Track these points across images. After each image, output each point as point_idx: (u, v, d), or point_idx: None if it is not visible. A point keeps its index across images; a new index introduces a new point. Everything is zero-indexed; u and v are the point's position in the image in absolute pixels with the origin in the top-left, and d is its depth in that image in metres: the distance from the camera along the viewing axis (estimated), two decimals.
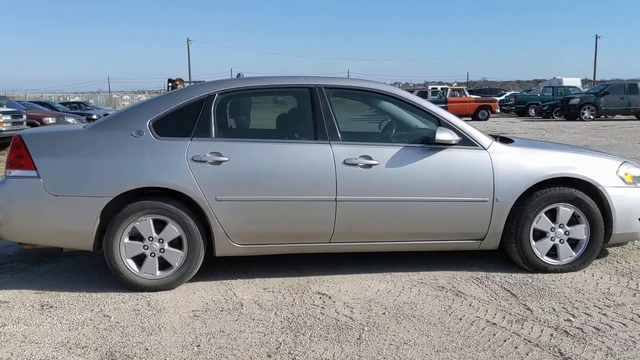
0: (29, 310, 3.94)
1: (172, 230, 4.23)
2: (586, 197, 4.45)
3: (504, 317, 3.66)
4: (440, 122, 4.46)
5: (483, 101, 30.21)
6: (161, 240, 4.23)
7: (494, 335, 3.40)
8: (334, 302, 3.99)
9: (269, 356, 3.19)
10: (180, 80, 13.24)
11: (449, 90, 30.19)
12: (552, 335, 3.38)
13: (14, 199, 4.19)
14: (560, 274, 4.46)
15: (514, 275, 4.46)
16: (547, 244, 4.50)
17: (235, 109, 4.62)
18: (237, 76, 13.38)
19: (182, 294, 4.19)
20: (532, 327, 3.49)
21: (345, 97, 4.65)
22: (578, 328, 3.47)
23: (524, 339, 3.34)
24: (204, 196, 4.18)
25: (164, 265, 4.28)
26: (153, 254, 4.24)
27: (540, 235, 4.50)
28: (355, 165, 4.27)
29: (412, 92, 30.91)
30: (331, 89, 4.49)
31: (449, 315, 3.71)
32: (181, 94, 4.43)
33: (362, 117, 5.16)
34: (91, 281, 4.48)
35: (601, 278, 4.37)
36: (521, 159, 4.45)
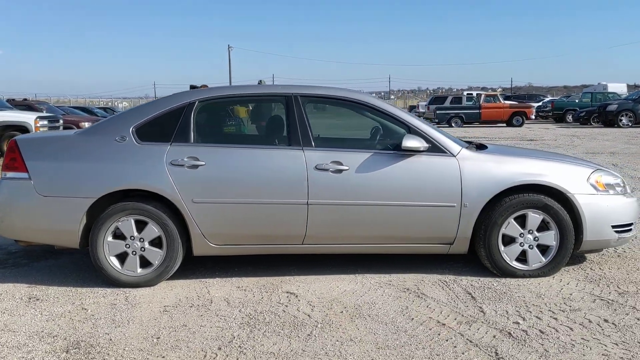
0: (17, 302, 4.24)
1: (152, 230, 4.48)
2: (555, 203, 4.53)
3: (455, 319, 3.78)
4: (410, 130, 4.61)
5: (518, 107, 29.91)
6: (142, 240, 4.49)
7: (439, 334, 3.53)
8: (299, 300, 4.18)
9: (219, 349, 3.40)
10: (205, 87, 13.58)
11: (483, 96, 29.98)
12: (494, 336, 3.50)
13: (8, 198, 4.51)
14: (528, 279, 4.54)
15: (481, 279, 4.56)
16: (516, 249, 4.59)
17: (214, 116, 4.86)
18: (259, 83, 13.68)
19: (160, 290, 4.43)
20: (478, 329, 3.61)
21: (322, 105, 4.84)
22: (523, 330, 3.57)
23: (467, 339, 3.46)
24: (181, 198, 4.42)
25: (144, 263, 4.53)
26: (134, 252, 4.50)
27: (510, 240, 4.60)
28: (327, 170, 4.46)
29: (444, 98, 30.90)
30: (306, 97, 4.69)
31: (403, 315, 3.86)
32: (164, 102, 4.70)
33: (347, 124, 5.33)
34: (81, 277, 4.76)
35: (567, 284, 4.44)
36: (490, 166, 4.56)
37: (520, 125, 28.92)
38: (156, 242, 4.53)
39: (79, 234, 4.48)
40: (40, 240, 4.63)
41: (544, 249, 4.62)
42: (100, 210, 4.49)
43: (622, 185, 4.82)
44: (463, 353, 3.28)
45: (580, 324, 3.66)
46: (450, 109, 29.51)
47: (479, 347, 3.34)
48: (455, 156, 4.56)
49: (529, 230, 4.57)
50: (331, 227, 4.52)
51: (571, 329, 3.60)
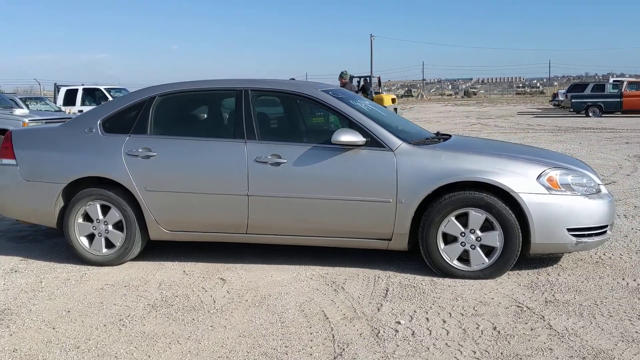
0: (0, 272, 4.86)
1: (114, 214, 4.90)
2: (499, 202, 4.29)
3: (344, 314, 3.77)
4: (351, 123, 4.59)
5: None
6: (106, 223, 4.93)
7: (309, 328, 3.56)
8: (223, 286, 4.38)
9: (105, 325, 3.71)
10: (293, 80, 13.98)
11: (626, 83, 27.45)
12: (360, 334, 3.46)
13: (1, 182, 5.16)
14: (465, 280, 4.36)
15: (418, 277, 4.46)
16: (457, 248, 4.42)
17: (172, 109, 5.14)
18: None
19: (117, 270, 4.84)
20: (353, 325, 3.59)
21: (271, 99, 4.96)
22: (395, 330, 3.50)
23: (331, 334, 3.46)
24: (135, 187, 4.79)
25: (109, 244, 4.97)
26: (100, 234, 4.95)
27: (452, 239, 4.44)
28: (266, 163, 4.59)
29: (584, 85, 28.77)
30: (256, 91, 4.84)
31: (299, 307, 3.92)
32: (130, 96, 5.10)
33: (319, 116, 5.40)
34: (66, 255, 5.29)
35: (501, 287, 4.21)
36: (427, 162, 4.43)
37: None
38: (119, 226, 4.93)
39: (56, 215, 5.01)
40: (27, 219, 5.23)
41: (489, 250, 4.40)
42: (74, 194, 4.98)
43: (587, 185, 4.43)
44: (311, 347, 3.30)
45: (462, 329, 3.50)
46: (589, 97, 27.41)
47: (332, 342, 3.34)
48: (393, 151, 4.47)
49: (471, 230, 4.37)
50: (271, 219, 4.65)
51: (447, 332, 3.46)
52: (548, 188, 4.30)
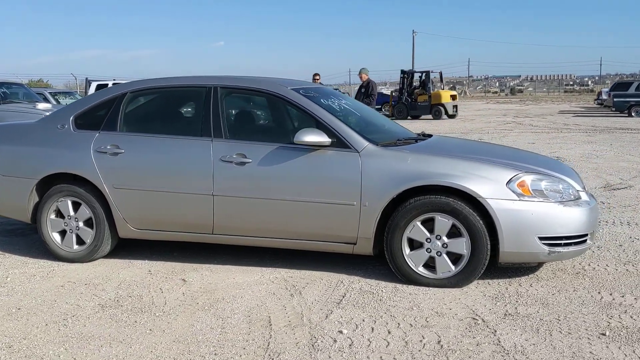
0: None
1: (85, 211, 4.88)
2: (465, 208, 4.09)
3: (289, 321, 3.64)
4: (318, 124, 4.44)
5: None
6: (77, 219, 4.91)
7: (248, 334, 3.45)
8: (180, 288, 4.30)
9: (46, 325, 3.66)
10: (318, 75, 13.85)
11: None
12: (297, 343, 3.33)
13: None
14: (429, 288, 4.17)
15: (381, 283, 4.29)
16: (423, 255, 4.23)
17: (141, 106, 5.08)
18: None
19: (84, 268, 4.81)
20: (294, 333, 3.45)
21: (240, 96, 4.85)
22: (334, 340, 3.36)
23: (266, 341, 3.34)
24: (104, 184, 4.75)
25: (80, 241, 4.95)
26: (71, 231, 4.93)
27: (419, 245, 4.25)
28: (231, 162, 4.48)
29: (629, 84, 27.71)
30: (225, 88, 4.73)
31: (247, 312, 3.81)
32: (103, 93, 5.06)
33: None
34: (44, 251, 5.27)
35: (464, 299, 4.01)
36: (394, 164, 4.25)
37: None
38: (90, 223, 4.91)
39: (29, 210, 5.02)
40: (4, 213, 5.27)
41: (457, 258, 4.19)
42: (47, 190, 4.98)
43: (563, 191, 4.18)
44: (240, 356, 3.18)
45: (405, 342, 3.33)
46: (632, 96, 26.41)
47: (265, 350, 3.22)
48: (358, 152, 4.31)
49: (437, 236, 4.18)
50: (236, 220, 4.55)
51: (388, 344, 3.30)
52: (518, 194, 4.07)
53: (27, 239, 5.74)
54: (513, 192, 4.07)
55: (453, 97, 27.53)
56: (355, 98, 12.98)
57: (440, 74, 29.52)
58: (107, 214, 4.82)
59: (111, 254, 5.03)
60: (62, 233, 4.98)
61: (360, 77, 12.59)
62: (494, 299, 3.97)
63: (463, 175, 4.12)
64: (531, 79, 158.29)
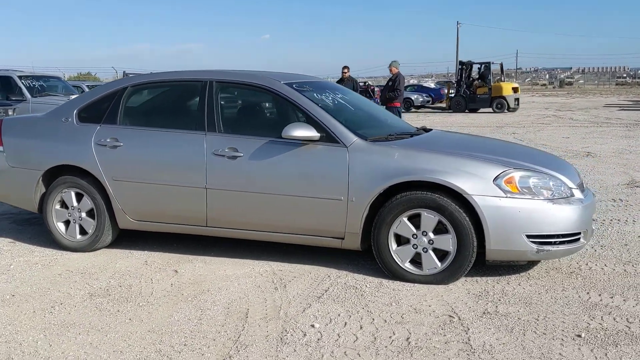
0: None
1: (87, 202, 5.02)
2: (452, 204, 4.04)
3: (266, 314, 3.68)
4: (308, 118, 4.45)
5: None
6: (79, 210, 5.06)
7: (222, 325, 3.50)
8: (170, 278, 4.38)
9: (34, 312, 3.79)
10: (347, 68, 13.81)
11: None
12: (267, 336, 3.36)
13: None
14: (414, 284, 4.15)
15: (368, 278, 4.29)
16: (409, 251, 4.21)
17: (141, 100, 5.18)
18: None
19: (85, 257, 4.95)
20: (267, 326, 3.49)
21: (234, 90, 4.89)
22: (303, 333, 3.38)
23: (237, 333, 3.39)
24: (104, 176, 4.87)
25: (83, 231, 5.09)
26: (75, 221, 5.09)
27: (406, 241, 4.24)
28: (223, 156, 4.54)
29: None
30: (220, 82, 4.79)
31: (228, 304, 3.86)
32: (106, 87, 5.18)
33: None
34: (52, 240, 5.45)
35: (447, 296, 3.97)
36: (381, 159, 4.23)
37: None
38: (92, 213, 5.04)
39: (36, 201, 5.19)
40: (13, 203, 5.46)
41: (444, 255, 4.16)
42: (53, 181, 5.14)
43: (553, 189, 4.10)
44: (208, 347, 3.24)
45: (374, 337, 3.33)
46: None
47: (234, 342, 3.27)
48: (347, 147, 4.30)
49: (423, 232, 4.15)
50: (229, 213, 4.61)
51: (356, 339, 3.31)
52: (506, 191, 4.00)
53: (38, 228, 5.93)
54: (500, 188, 4.00)
55: (515, 90, 26.42)
56: (382, 91, 12.94)
57: (501, 65, 28.30)
58: (108, 206, 4.95)
59: (114, 244, 5.16)
60: (67, 223, 5.13)
61: (390, 70, 12.50)
62: (477, 297, 3.92)
63: (450, 172, 4.07)
64: (582, 71, 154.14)
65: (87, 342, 3.32)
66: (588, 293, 3.97)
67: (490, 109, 25.97)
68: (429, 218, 4.11)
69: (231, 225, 4.65)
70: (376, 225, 4.22)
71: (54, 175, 5.12)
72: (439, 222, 4.10)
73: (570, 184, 4.22)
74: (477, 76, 27.02)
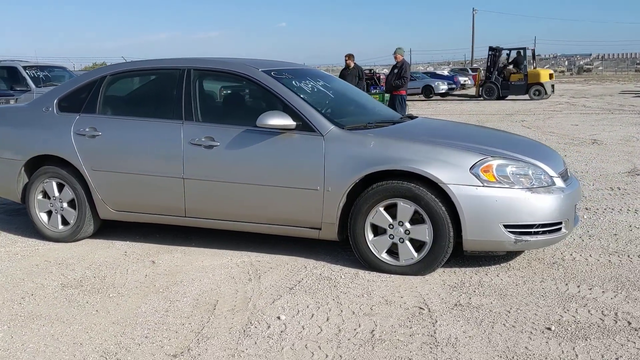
0: None
1: (68, 192, 5.00)
2: (427, 194, 3.95)
3: (235, 306, 3.63)
4: (285, 106, 4.37)
5: None
6: (61, 200, 5.03)
7: (183, 317, 3.46)
8: (148, 268, 4.36)
9: (2, 303, 3.78)
10: (350, 56, 13.67)
11: None
12: (231, 328, 3.32)
13: None
14: (392, 275, 4.07)
15: (345, 269, 4.23)
16: (386, 241, 4.13)
17: (119, 89, 5.13)
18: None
19: (68, 247, 4.94)
20: (232, 318, 3.44)
21: (212, 78, 4.82)
22: (268, 325, 3.33)
23: (201, 325, 3.34)
24: (83, 166, 4.85)
25: (64, 221, 5.07)
26: (56, 211, 5.07)
27: (382, 231, 4.16)
28: (200, 145, 4.49)
29: None
30: (198, 70, 4.72)
31: (198, 296, 3.82)
32: (86, 75, 5.14)
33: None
34: (31, 230, 5.43)
35: (421, 287, 3.89)
36: (356, 148, 4.15)
37: None
38: (73, 204, 5.02)
39: (19, 191, 5.18)
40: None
41: (421, 245, 4.08)
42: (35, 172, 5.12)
43: (533, 177, 3.99)
44: (169, 339, 3.20)
45: (338, 329, 3.26)
46: None
47: (196, 335, 3.22)
48: (323, 136, 4.22)
49: (400, 222, 4.07)
50: (206, 203, 4.56)
51: (320, 331, 3.25)
52: (482, 180, 3.90)
53: (27, 219, 5.90)
54: (477, 177, 3.90)
55: (551, 76, 25.71)
56: (387, 79, 12.79)
57: (533, 51, 26.73)
58: (88, 196, 4.92)
59: (97, 235, 5.15)
60: (49, 213, 5.12)
61: (395, 57, 12.31)
62: (452, 288, 3.84)
63: (425, 160, 3.98)
64: (602, 57, 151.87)
65: (49, 334, 3.30)
66: (567, 284, 3.87)
67: (525, 96, 24.83)
68: (405, 208, 4.02)
69: (209, 215, 4.60)
70: (352, 216, 4.15)
71: (36, 166, 5.09)
72: (415, 212, 4.02)
73: (552, 172, 4.10)
74: (508, 62, 26.08)
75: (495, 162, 3.96)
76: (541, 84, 24.55)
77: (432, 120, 5.57)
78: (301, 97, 4.41)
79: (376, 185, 4.07)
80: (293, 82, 4.63)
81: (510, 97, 25.51)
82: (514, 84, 25.10)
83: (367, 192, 4.09)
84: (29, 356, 3.05)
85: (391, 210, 4.10)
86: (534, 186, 3.96)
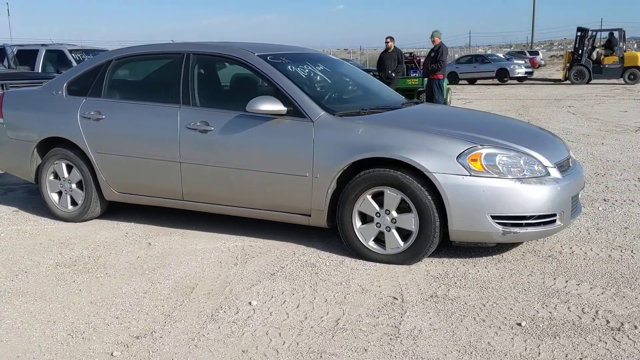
0: None
1: (76, 174, 5.14)
2: (414, 182, 3.88)
3: (212, 290, 3.67)
4: (277, 91, 4.36)
5: None
6: (70, 181, 5.19)
7: (158, 299, 3.52)
8: (142, 249, 4.45)
9: (6, 278, 3.93)
10: (391, 39, 13.49)
11: None
12: (199, 312, 3.35)
13: None
14: (377, 263, 4.03)
15: (333, 256, 4.20)
16: (373, 229, 4.08)
17: (124, 73, 5.20)
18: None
19: (75, 227, 5.09)
20: (205, 302, 3.47)
21: (209, 63, 4.84)
22: (237, 310, 3.35)
23: (173, 309, 3.39)
24: (88, 148, 4.97)
25: (74, 202, 5.23)
26: (66, 192, 5.23)
27: (370, 219, 4.11)
28: (195, 130, 4.53)
29: None
30: (197, 55, 4.75)
31: (180, 279, 3.87)
32: (92, 60, 5.25)
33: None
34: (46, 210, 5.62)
35: (402, 277, 3.83)
36: (345, 135, 4.10)
37: None
38: (81, 185, 5.17)
39: (32, 171, 5.37)
40: (14, 173, 5.66)
41: (408, 234, 4.01)
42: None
43: (524, 167, 3.85)
44: (137, 321, 3.26)
45: (305, 317, 3.25)
46: None
47: (164, 317, 3.28)
48: (313, 122, 4.19)
49: (387, 211, 4.01)
50: (202, 187, 4.61)
51: (286, 318, 3.24)
52: (469, 169, 3.80)
53: None
54: (463, 166, 3.80)
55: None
56: (424, 63, 12.56)
57: (623, 33, 24.85)
58: (94, 177, 5.05)
59: (105, 215, 5.28)
60: (59, 194, 5.28)
61: (433, 41, 12.06)
62: (434, 279, 3.76)
63: (412, 148, 3.90)
64: None
65: (28, 311, 3.41)
66: (555, 279, 3.73)
67: (620, 80, 23.65)
68: (392, 196, 3.96)
69: (204, 199, 4.64)
70: (341, 203, 4.11)
71: (48, 147, 5.25)
72: (402, 200, 3.94)
73: (547, 162, 3.95)
74: (598, 45, 24.82)
75: (484, 151, 3.84)
76: (638, 68, 23.24)
77: (433, 107, 5.44)
78: (294, 82, 4.37)
79: (363, 173, 4.02)
80: (289, 67, 4.60)
81: (607, 81, 24.18)
82: (607, 67, 23.71)
83: (355, 180, 4.04)
84: (2, 331, 3.16)
85: (379, 198, 4.04)
86: (525, 176, 3.83)
